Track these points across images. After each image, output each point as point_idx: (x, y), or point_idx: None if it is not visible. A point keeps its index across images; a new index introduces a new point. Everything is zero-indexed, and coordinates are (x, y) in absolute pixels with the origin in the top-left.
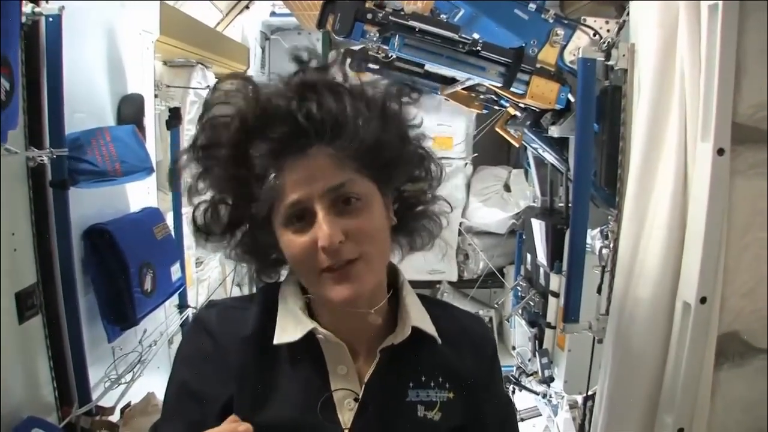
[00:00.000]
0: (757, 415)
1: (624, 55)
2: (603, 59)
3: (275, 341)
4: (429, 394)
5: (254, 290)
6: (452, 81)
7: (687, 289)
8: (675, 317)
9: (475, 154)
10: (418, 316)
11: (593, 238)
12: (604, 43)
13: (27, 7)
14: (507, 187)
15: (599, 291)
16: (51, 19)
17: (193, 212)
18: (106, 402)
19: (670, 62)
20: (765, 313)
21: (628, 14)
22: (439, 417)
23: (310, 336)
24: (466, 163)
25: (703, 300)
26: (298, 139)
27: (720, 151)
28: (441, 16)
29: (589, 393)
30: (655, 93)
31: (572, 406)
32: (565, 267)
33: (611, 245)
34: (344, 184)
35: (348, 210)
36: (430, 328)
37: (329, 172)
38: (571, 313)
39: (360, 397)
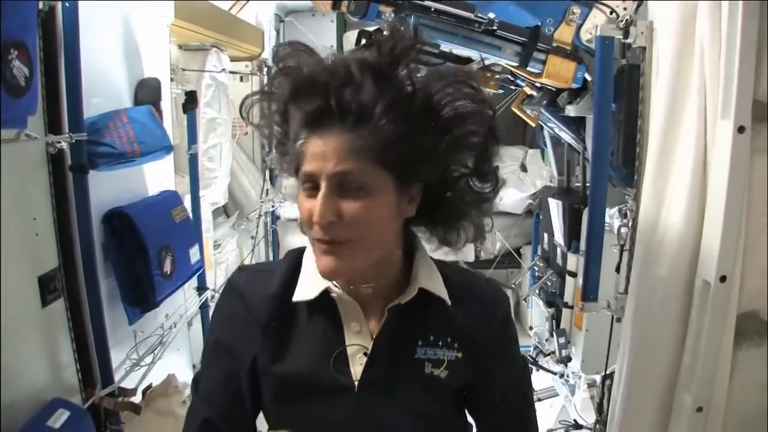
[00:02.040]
0: None
1: (642, 33)
2: (621, 37)
3: (294, 299)
4: (437, 352)
5: None
6: (467, 61)
7: (706, 267)
8: (694, 296)
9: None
10: (427, 279)
11: (611, 216)
12: (622, 21)
13: None
14: (523, 167)
15: (618, 270)
16: (67, 5)
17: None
18: (128, 384)
19: (690, 40)
20: None
21: None
22: (445, 375)
23: (327, 295)
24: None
25: (722, 278)
26: (324, 117)
27: (740, 129)
28: None
29: (608, 372)
30: (674, 71)
31: (590, 385)
32: (582, 246)
33: (630, 224)
34: (351, 172)
35: (350, 195)
36: (439, 290)
37: (342, 156)
38: (589, 292)
39: (369, 351)
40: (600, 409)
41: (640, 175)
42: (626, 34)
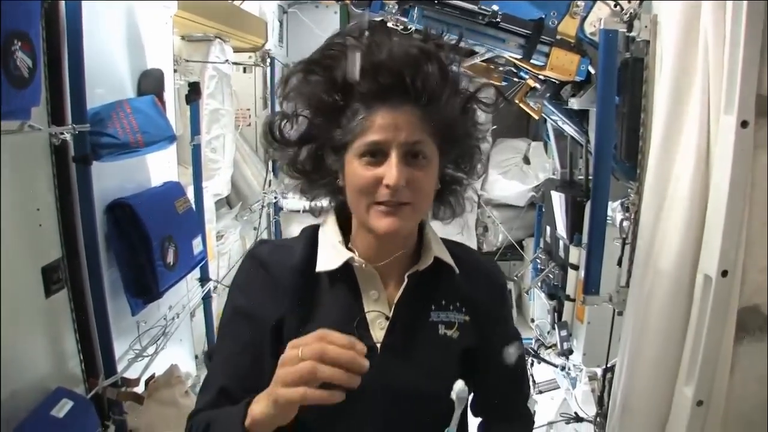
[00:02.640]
0: None
1: (646, 27)
2: (625, 31)
3: (318, 269)
4: (448, 315)
5: None
6: (471, 53)
7: (708, 261)
8: (696, 290)
9: (494, 127)
10: (438, 250)
11: (614, 210)
12: (626, 14)
13: None
14: (526, 160)
15: (620, 263)
16: None
17: (271, 121)
18: (131, 374)
19: (693, 34)
20: None
21: None
22: (456, 335)
23: (347, 265)
24: (484, 136)
25: (724, 273)
26: (397, 93)
27: (744, 124)
28: None
29: (609, 365)
30: (678, 65)
31: (591, 378)
32: (585, 239)
33: (632, 217)
34: (420, 142)
35: (414, 163)
36: (448, 260)
37: (412, 128)
38: (591, 285)
39: (390, 316)
40: (600, 402)
41: (642, 169)
42: (630, 28)
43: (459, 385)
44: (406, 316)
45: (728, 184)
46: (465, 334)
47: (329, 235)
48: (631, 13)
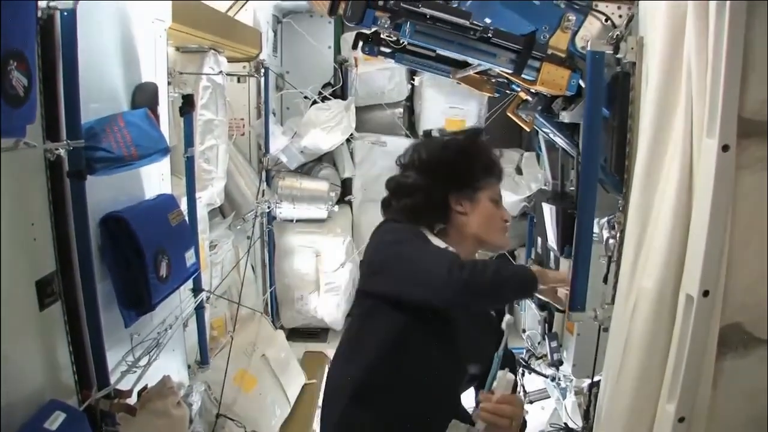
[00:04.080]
0: (759, 403)
1: (633, 48)
2: (611, 52)
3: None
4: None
5: (267, 272)
6: (464, 64)
7: (690, 282)
8: (678, 309)
9: (487, 137)
10: None
11: (601, 227)
12: (612, 36)
13: (42, 2)
14: (519, 170)
15: (605, 280)
16: (66, 13)
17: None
18: (123, 385)
19: (678, 57)
20: (766, 304)
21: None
22: (494, 315)
23: None
24: None
25: (705, 293)
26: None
27: (725, 148)
28: (453, 1)
29: (595, 380)
30: (662, 88)
31: (577, 392)
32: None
33: (618, 236)
34: None
35: None
36: None
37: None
38: (577, 302)
39: None
40: (587, 416)
41: (628, 188)
42: (617, 49)
43: (507, 317)
44: None
45: (709, 206)
46: (496, 318)
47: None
48: (617, 35)
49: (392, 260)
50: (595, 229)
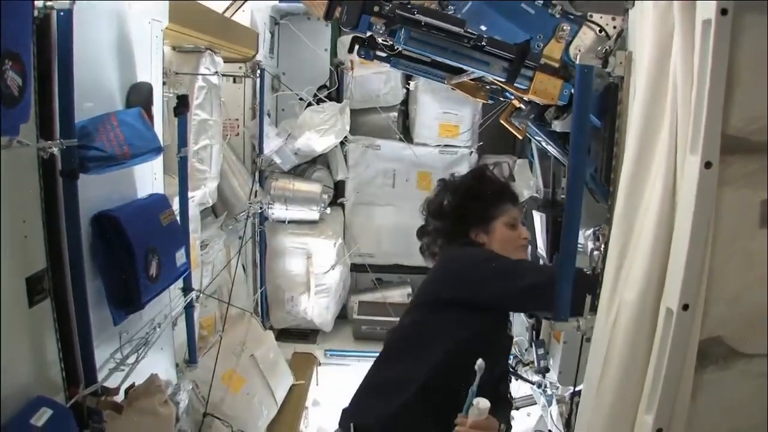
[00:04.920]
0: (739, 417)
1: (621, 63)
2: (600, 66)
3: None
4: None
5: (258, 272)
6: (460, 71)
7: (670, 295)
8: (659, 322)
9: (480, 143)
10: None
11: (586, 238)
12: (602, 50)
13: (39, 2)
14: (511, 177)
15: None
16: (62, 13)
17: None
18: (111, 383)
19: (664, 73)
20: (748, 318)
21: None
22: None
23: None
24: (471, 152)
25: (685, 307)
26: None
27: (707, 165)
28: (449, 8)
29: (577, 389)
30: (648, 103)
31: (559, 400)
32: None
33: (602, 247)
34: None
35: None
36: None
37: (521, 218)
38: (560, 312)
39: None
40: (568, 425)
41: (613, 200)
42: (605, 63)
43: (479, 362)
44: None
45: (690, 221)
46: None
47: None
48: (606, 49)
49: (489, 272)
50: (582, 240)
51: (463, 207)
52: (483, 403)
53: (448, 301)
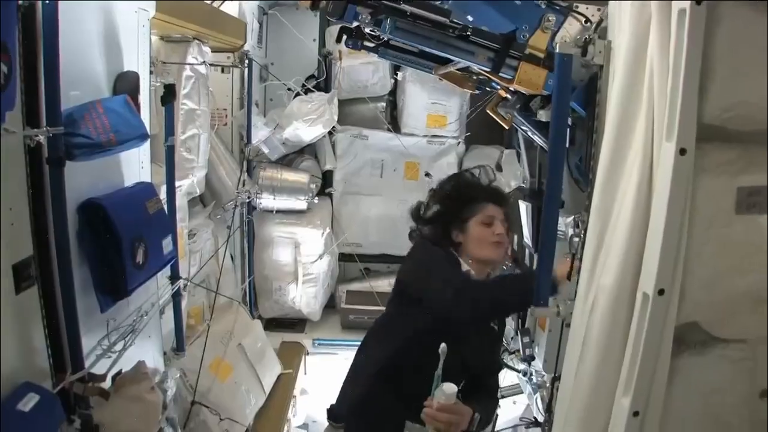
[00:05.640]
0: (715, 401)
1: (600, 52)
2: (580, 54)
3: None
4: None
5: (246, 262)
6: (447, 61)
7: (647, 280)
8: (635, 306)
9: (468, 133)
10: None
11: (567, 225)
12: (581, 39)
13: None
14: (499, 167)
15: (569, 277)
16: (47, 1)
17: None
18: (99, 370)
19: (641, 62)
20: (723, 304)
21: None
22: (496, 328)
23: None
24: (459, 142)
25: (661, 291)
26: (495, 200)
27: (682, 151)
28: None
29: (557, 374)
30: (625, 91)
31: (540, 386)
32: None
33: (582, 234)
34: (504, 222)
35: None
36: None
37: (501, 214)
38: (540, 297)
39: None
40: (549, 409)
41: (592, 187)
42: (584, 52)
43: (442, 346)
44: None
45: (666, 207)
46: (496, 330)
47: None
48: (586, 38)
49: (423, 275)
50: (563, 228)
51: (440, 212)
52: (448, 387)
53: (403, 292)
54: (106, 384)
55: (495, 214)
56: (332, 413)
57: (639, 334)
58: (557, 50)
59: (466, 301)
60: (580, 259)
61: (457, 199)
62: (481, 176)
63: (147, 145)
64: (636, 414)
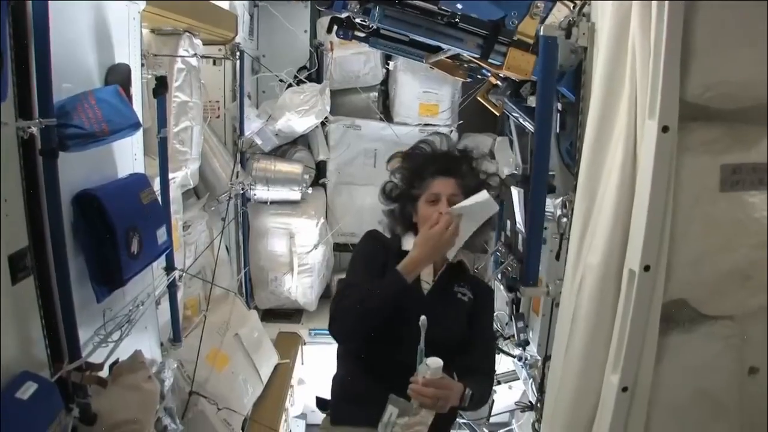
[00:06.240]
0: (703, 378)
1: (584, 34)
2: (564, 37)
3: (403, 248)
4: (463, 290)
5: (241, 253)
6: (437, 49)
7: (632, 257)
8: (622, 284)
9: (461, 122)
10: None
11: (556, 206)
12: (565, 21)
13: None
14: (491, 154)
15: (558, 257)
16: None
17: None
18: (96, 359)
19: (624, 42)
20: (710, 281)
21: None
22: (465, 300)
23: None
24: (451, 130)
25: (647, 268)
26: (448, 171)
27: (665, 129)
28: None
29: (548, 354)
30: (609, 71)
31: (532, 365)
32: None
33: (569, 214)
34: (456, 195)
35: (450, 203)
36: (466, 261)
37: (451, 188)
38: (529, 277)
39: (433, 281)
40: (541, 389)
41: (578, 168)
42: (569, 35)
43: (422, 318)
44: (440, 285)
45: (650, 184)
46: (469, 303)
47: (409, 239)
48: (570, 20)
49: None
50: (551, 209)
51: (398, 191)
52: (433, 362)
53: None
54: (104, 373)
55: (441, 190)
56: (321, 402)
57: (626, 311)
58: (541, 33)
59: (335, 312)
60: (568, 239)
61: (408, 176)
62: (441, 146)
63: (140, 136)
64: (625, 389)
